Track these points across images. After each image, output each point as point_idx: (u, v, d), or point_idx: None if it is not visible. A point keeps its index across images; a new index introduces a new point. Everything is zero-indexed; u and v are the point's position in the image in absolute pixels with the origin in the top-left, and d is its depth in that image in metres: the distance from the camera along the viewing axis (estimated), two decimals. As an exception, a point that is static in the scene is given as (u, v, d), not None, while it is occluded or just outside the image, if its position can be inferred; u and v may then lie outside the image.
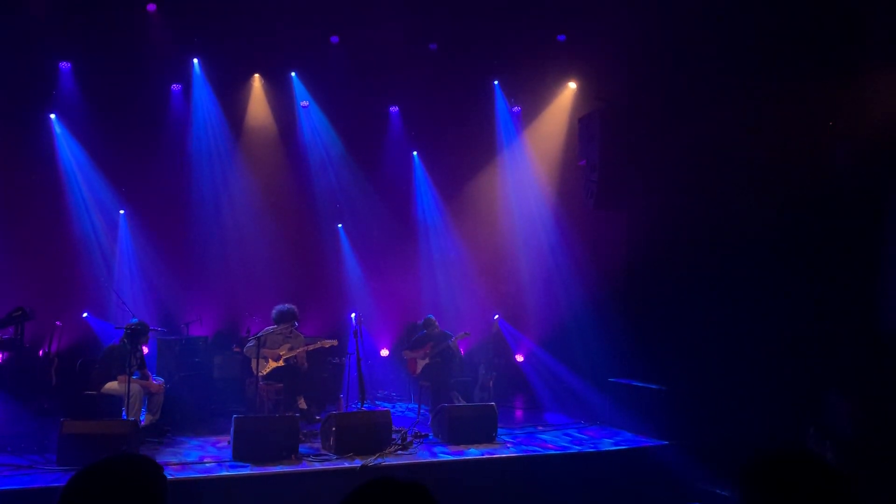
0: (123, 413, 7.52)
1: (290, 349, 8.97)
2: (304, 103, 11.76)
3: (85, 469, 1.96)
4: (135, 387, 7.60)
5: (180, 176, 10.97)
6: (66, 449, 6.45)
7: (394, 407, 10.29)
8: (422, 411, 9.45)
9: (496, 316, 11.33)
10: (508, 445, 7.88)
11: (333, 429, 7.26)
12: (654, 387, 8.68)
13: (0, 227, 9.91)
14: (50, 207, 10.44)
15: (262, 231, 11.45)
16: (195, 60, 11.00)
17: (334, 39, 10.97)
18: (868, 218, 7.18)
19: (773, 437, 7.00)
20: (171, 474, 6.23)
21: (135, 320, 8.17)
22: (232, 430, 7.04)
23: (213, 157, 11.37)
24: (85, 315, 10.24)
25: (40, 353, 9.63)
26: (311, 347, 9.03)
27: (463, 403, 9.23)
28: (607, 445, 8.02)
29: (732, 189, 8.21)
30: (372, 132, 12.27)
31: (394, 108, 12.35)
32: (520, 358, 11.58)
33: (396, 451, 7.35)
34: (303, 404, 8.94)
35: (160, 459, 6.68)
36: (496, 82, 11.79)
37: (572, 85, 11.07)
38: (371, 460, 6.92)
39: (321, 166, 12.05)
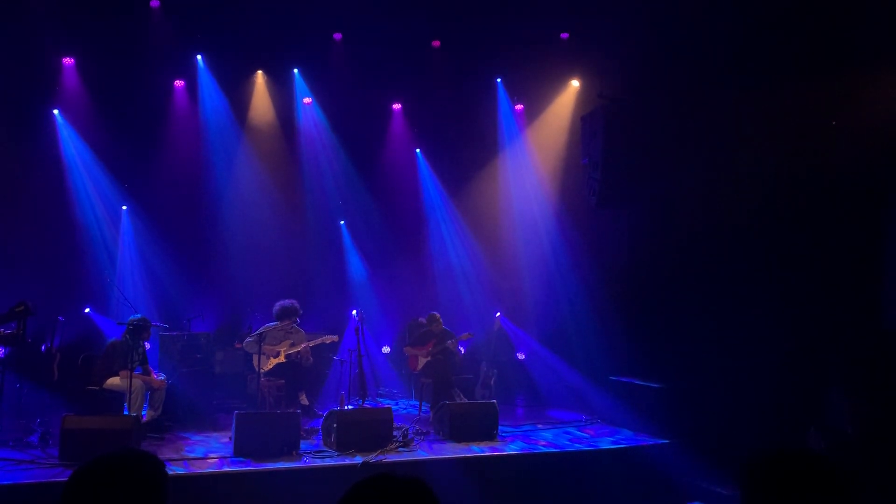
0: (125, 409, 7.53)
1: (291, 345, 8.98)
2: (307, 100, 11.76)
3: (87, 465, 1.97)
4: (137, 382, 7.61)
5: (183, 172, 10.97)
6: (68, 444, 6.46)
7: (395, 404, 10.29)
8: (423, 408, 9.45)
9: (497, 314, 11.33)
10: (509, 443, 7.89)
11: (335, 425, 7.27)
12: (654, 385, 8.68)
13: (3, 222, 9.93)
14: (52, 203, 10.45)
15: (265, 227, 11.46)
16: (199, 57, 11.00)
17: (337, 36, 10.96)
18: (870, 216, 7.18)
19: (774, 436, 7.00)
20: (172, 470, 6.25)
21: (137, 316, 8.18)
22: (233, 426, 7.06)
23: (215, 154, 11.38)
24: (87, 310, 10.26)
25: (42, 348, 9.63)
26: (312, 343, 9.04)
27: (464, 401, 9.24)
28: (607, 444, 8.03)
29: (735, 187, 8.20)
30: (374, 129, 12.28)
31: (396, 105, 12.35)
32: (521, 356, 11.58)
33: (397, 447, 7.36)
34: (304, 400, 8.96)
35: (161, 455, 6.70)
36: (499, 80, 11.78)
37: (575, 83, 11.07)
38: (372, 457, 6.93)
39: (323, 163, 12.06)
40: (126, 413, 7.41)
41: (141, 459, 2.06)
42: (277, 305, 9.12)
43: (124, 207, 11.04)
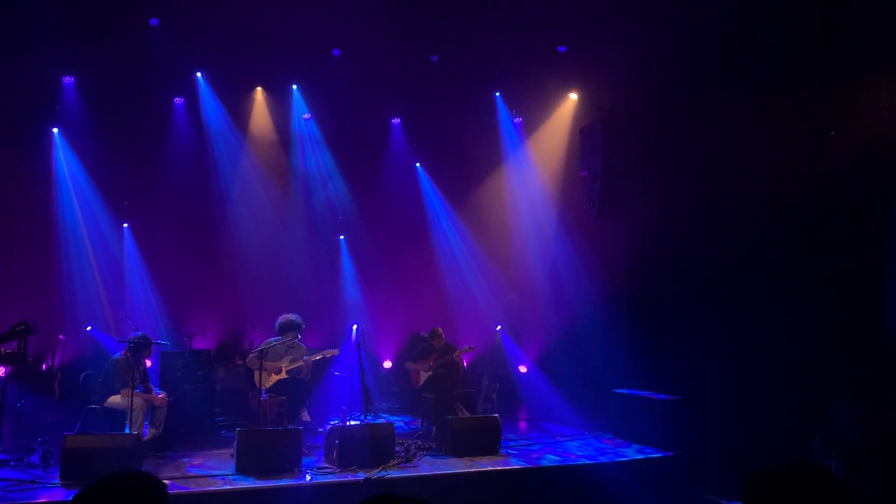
0: (127, 427, 7.50)
1: (292, 360, 8.96)
2: (306, 116, 11.81)
3: (88, 486, 1.97)
4: (138, 400, 7.59)
5: (183, 188, 10.98)
6: (70, 463, 6.43)
7: (397, 419, 10.25)
8: (425, 423, 9.41)
9: (498, 327, 11.31)
10: (512, 457, 7.86)
11: (337, 441, 7.24)
12: (658, 397, 8.65)
13: (3, 240, 9.94)
14: (53, 221, 10.46)
15: (264, 243, 11.47)
16: (198, 74, 11.06)
17: (336, 52, 11.02)
18: (870, 224, 7.19)
19: (779, 446, 6.97)
20: (173, 488, 6.23)
21: (138, 334, 8.16)
22: (235, 443, 7.03)
23: (215, 170, 11.40)
24: (89, 329, 10.24)
25: (43, 366, 9.63)
26: (313, 359, 9.02)
27: (466, 415, 9.20)
28: (612, 457, 7.99)
29: (734, 197, 8.21)
30: (374, 144, 12.31)
31: (395, 120, 12.39)
32: (523, 369, 11.55)
33: (400, 463, 7.33)
34: (306, 416, 8.92)
35: (163, 473, 6.69)
36: (497, 94, 11.82)
37: (573, 96, 11.11)
38: (374, 473, 6.90)
39: (323, 178, 12.08)
40: (127, 431, 7.37)
41: (142, 480, 2.06)
42: (280, 319, 9.07)
43: (125, 225, 11.05)
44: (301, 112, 11.81)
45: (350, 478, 6.85)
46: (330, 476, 6.91)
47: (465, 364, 10.48)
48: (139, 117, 10.63)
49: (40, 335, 8.34)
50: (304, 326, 9.15)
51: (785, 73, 7.69)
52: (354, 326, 9.19)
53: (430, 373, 9.83)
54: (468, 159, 12.11)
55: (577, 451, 8.32)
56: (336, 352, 9.27)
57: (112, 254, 10.95)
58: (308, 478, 6.83)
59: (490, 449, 7.94)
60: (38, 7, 9.34)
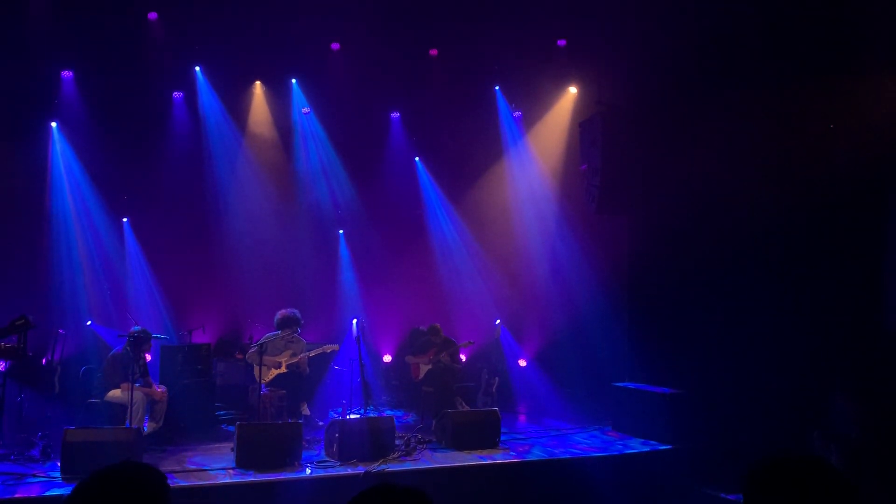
0: (127, 421, 7.51)
1: (292, 355, 8.97)
2: (305, 110, 11.79)
3: (89, 478, 1.97)
4: (138, 394, 7.61)
5: (182, 183, 10.97)
6: (70, 457, 6.44)
7: (396, 413, 10.27)
8: (425, 417, 9.43)
9: (498, 321, 11.31)
10: (512, 451, 7.87)
11: (337, 435, 7.25)
12: (658, 391, 8.66)
13: (2, 235, 9.93)
14: (53, 215, 10.45)
15: (264, 237, 11.46)
16: (197, 68, 11.03)
17: (335, 46, 10.99)
18: (871, 220, 7.18)
19: (779, 441, 6.98)
20: (174, 482, 6.23)
21: (137, 328, 8.17)
22: (235, 437, 7.04)
23: (214, 165, 11.38)
24: (89, 323, 10.24)
25: (43, 361, 9.62)
26: (312, 353, 9.03)
27: (466, 409, 9.22)
28: (612, 450, 8.01)
29: (734, 193, 8.20)
30: (373, 138, 12.29)
31: (395, 114, 12.37)
32: (523, 363, 11.55)
33: (400, 457, 7.34)
34: (306, 410, 8.94)
35: (163, 467, 6.69)
36: (497, 87, 11.80)
37: (573, 89, 11.08)
38: (374, 467, 6.91)
39: (322, 172, 12.06)
40: (128, 425, 7.38)
41: (142, 472, 2.06)
42: (279, 314, 9.09)
43: (125, 220, 11.04)
44: (300, 106, 11.79)
45: (350, 471, 6.85)
46: (330, 469, 6.92)
47: (464, 358, 10.49)
48: (138, 112, 10.60)
49: (40, 330, 8.32)
50: (302, 321, 9.16)
51: (786, 67, 7.67)
52: (354, 321, 9.19)
53: (429, 366, 9.85)
54: (468, 153, 12.08)
55: (577, 444, 8.33)
56: (336, 347, 9.29)
57: (111, 248, 10.94)
58: (308, 471, 6.84)
59: (490, 442, 7.95)
60: (36, 1, 9.31)
